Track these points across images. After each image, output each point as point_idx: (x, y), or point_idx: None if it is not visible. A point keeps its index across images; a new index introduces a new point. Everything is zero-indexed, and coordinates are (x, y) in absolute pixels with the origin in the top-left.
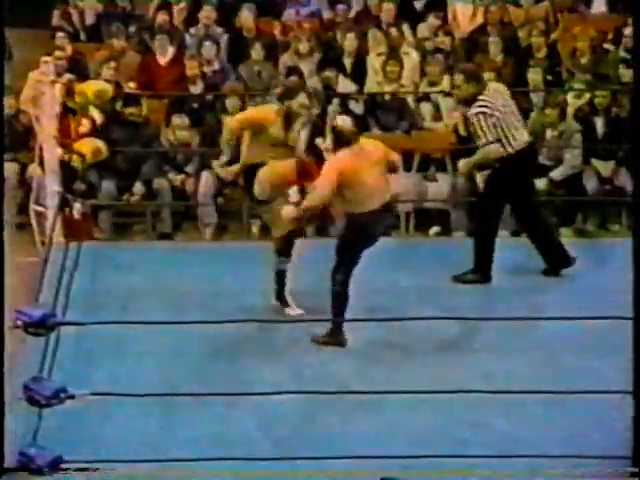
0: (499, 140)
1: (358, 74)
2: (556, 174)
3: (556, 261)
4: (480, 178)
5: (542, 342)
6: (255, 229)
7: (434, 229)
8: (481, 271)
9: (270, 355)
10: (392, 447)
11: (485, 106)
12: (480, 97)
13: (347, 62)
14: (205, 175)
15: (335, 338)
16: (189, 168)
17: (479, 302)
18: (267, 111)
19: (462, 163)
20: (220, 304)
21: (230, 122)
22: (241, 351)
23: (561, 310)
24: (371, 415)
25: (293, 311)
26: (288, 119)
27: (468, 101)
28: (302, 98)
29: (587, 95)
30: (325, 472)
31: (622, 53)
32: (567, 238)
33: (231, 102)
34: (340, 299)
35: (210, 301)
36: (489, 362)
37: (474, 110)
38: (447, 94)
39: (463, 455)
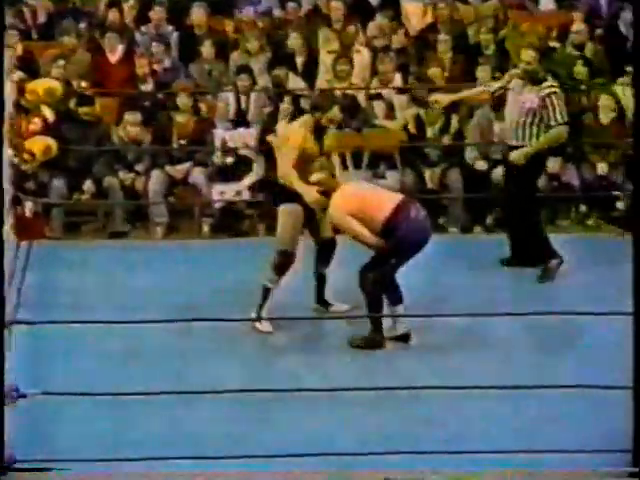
0: (566, 123)
1: (309, 72)
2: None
3: (531, 255)
4: (429, 174)
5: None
6: (206, 228)
7: None
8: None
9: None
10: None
11: (558, 86)
12: (549, 79)
13: (298, 60)
14: (155, 174)
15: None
16: (139, 167)
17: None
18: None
19: (521, 153)
20: (169, 302)
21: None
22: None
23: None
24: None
25: (339, 307)
26: (318, 132)
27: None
28: (335, 111)
29: None
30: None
31: (569, 49)
32: None
33: (182, 100)
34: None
35: (160, 299)
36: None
37: (547, 90)
38: (401, 91)
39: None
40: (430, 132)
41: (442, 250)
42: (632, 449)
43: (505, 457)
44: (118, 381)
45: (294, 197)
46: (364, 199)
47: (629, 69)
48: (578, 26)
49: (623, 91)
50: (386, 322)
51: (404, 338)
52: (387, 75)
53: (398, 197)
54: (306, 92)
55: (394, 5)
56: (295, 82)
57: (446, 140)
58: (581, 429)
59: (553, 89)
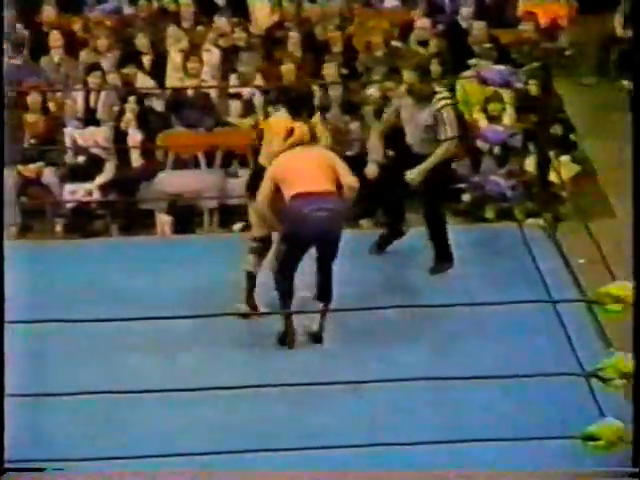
0: (458, 136)
1: (158, 71)
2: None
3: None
4: None
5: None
6: (59, 228)
7: (238, 225)
8: (447, 257)
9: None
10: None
11: (450, 98)
12: (438, 90)
13: (146, 59)
14: (7, 174)
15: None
16: None
17: None
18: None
19: (417, 172)
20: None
21: None
22: None
23: None
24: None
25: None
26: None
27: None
28: None
29: None
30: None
31: (414, 46)
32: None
33: (32, 98)
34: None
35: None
36: None
37: (437, 105)
38: (264, 92)
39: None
40: None
41: None
42: (632, 449)
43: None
44: None
45: None
46: (293, 170)
47: (472, 62)
48: (422, 22)
49: (463, 86)
50: (302, 319)
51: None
52: (249, 74)
53: (315, 186)
54: (156, 91)
55: (241, 4)
56: (144, 81)
57: None
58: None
59: (443, 102)
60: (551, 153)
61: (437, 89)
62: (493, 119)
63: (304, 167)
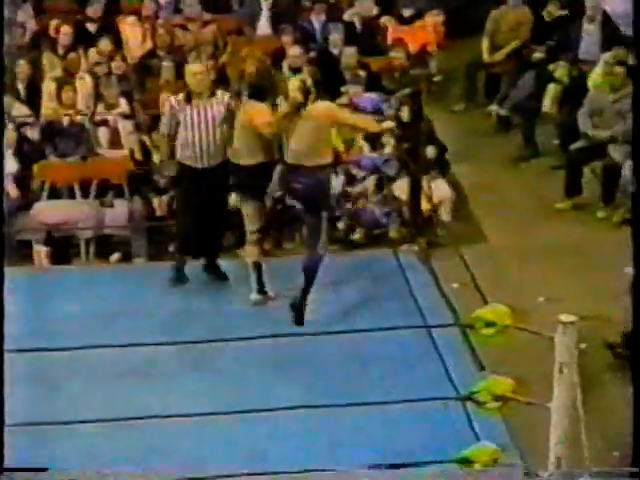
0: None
1: (33, 99)
2: None
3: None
4: (157, 202)
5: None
6: None
7: (115, 256)
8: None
9: None
10: None
11: None
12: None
13: (20, 87)
14: None
15: None
16: None
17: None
18: None
19: None
20: None
21: None
22: None
23: None
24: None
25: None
26: None
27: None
28: None
29: None
30: None
31: (288, 73)
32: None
33: None
34: None
35: None
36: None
37: None
38: (127, 117)
39: None
40: (156, 159)
41: None
42: (632, 449)
43: None
44: None
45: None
46: None
47: (344, 89)
48: (294, 50)
49: None
50: None
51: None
52: (112, 100)
53: None
54: (31, 120)
55: (114, 31)
56: (19, 109)
57: None
58: None
59: None
60: (426, 177)
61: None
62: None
63: None
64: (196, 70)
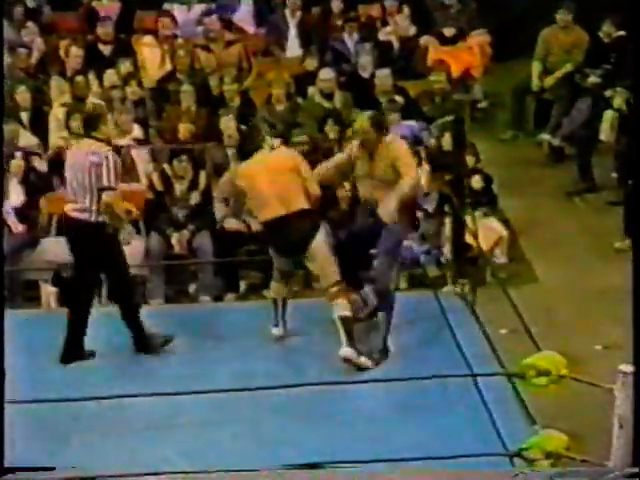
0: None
1: (39, 127)
2: None
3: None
4: (176, 238)
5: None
6: None
7: None
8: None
9: None
10: None
11: None
12: None
13: (24, 115)
14: None
15: None
16: None
17: None
18: None
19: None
20: None
21: None
22: None
23: None
24: None
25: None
26: None
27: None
28: None
29: None
30: None
31: (318, 99)
32: None
33: None
34: None
35: None
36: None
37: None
38: (140, 142)
39: None
40: (178, 189)
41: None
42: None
43: None
44: None
45: None
46: None
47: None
48: (325, 73)
49: None
50: None
51: None
52: (127, 126)
53: None
54: (39, 150)
55: (131, 53)
56: (26, 138)
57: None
58: None
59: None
60: (474, 212)
61: None
62: None
63: None
64: None
